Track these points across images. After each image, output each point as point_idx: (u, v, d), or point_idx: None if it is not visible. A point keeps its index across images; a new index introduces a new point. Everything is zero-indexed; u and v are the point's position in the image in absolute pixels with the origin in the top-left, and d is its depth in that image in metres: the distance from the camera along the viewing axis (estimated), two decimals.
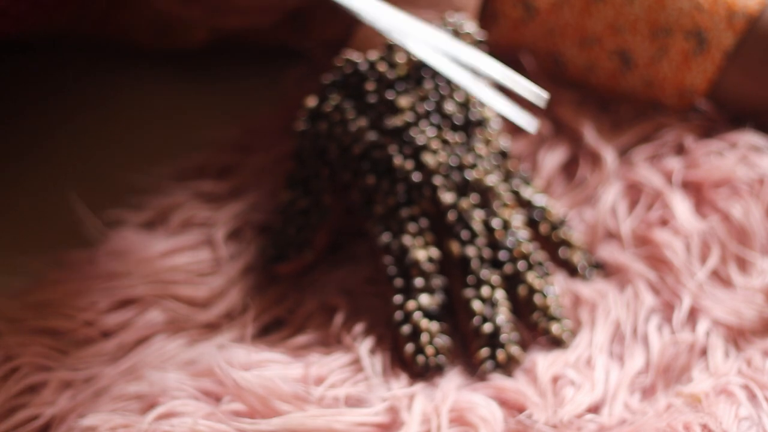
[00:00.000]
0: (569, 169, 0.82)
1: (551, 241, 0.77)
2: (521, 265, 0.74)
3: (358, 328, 0.73)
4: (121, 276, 0.76)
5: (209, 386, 0.69)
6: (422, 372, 0.71)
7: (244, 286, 0.76)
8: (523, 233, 0.75)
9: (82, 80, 0.91)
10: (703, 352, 0.72)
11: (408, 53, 0.75)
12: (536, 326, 0.73)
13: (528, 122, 0.74)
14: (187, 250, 0.78)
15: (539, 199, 0.77)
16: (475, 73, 0.73)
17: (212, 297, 0.76)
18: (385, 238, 0.74)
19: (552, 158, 0.82)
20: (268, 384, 0.68)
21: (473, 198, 0.74)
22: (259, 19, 0.75)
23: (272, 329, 0.75)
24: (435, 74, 0.76)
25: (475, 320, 0.72)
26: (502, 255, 0.74)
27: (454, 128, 0.75)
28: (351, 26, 0.80)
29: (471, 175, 0.75)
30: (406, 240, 0.73)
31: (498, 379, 0.70)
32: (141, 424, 0.66)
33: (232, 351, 0.71)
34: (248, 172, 0.83)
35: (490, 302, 0.72)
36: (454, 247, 0.73)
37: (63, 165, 0.85)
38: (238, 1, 0.72)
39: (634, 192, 0.80)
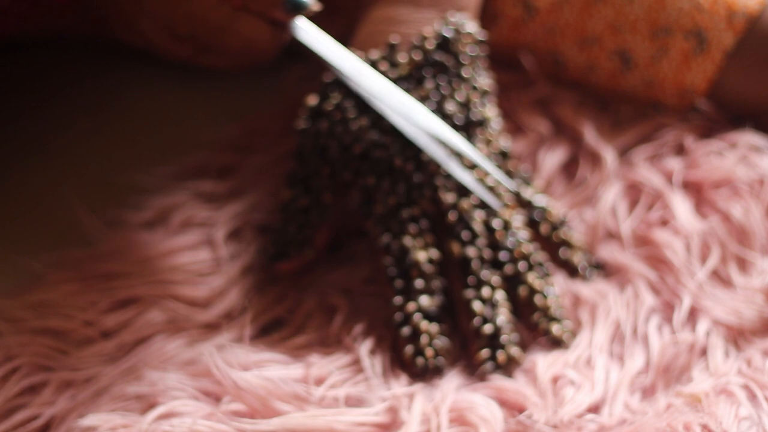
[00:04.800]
0: (569, 169, 0.82)
1: (551, 242, 0.77)
2: (522, 265, 0.74)
3: (358, 328, 0.73)
4: (121, 276, 0.76)
5: (209, 386, 0.69)
6: (421, 373, 0.71)
7: (244, 286, 0.76)
8: (524, 234, 0.75)
9: (83, 80, 0.91)
10: (703, 352, 0.72)
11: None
12: (536, 327, 0.73)
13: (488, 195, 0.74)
14: (187, 250, 0.78)
15: (540, 200, 0.77)
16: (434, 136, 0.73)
17: (212, 297, 0.76)
18: (386, 238, 0.74)
19: (552, 158, 0.82)
20: (268, 384, 0.68)
21: (474, 198, 0.74)
22: (247, 62, 0.75)
23: (272, 329, 0.75)
24: (436, 74, 0.76)
25: (476, 321, 0.72)
26: (503, 255, 0.74)
27: (455, 128, 0.75)
28: (352, 26, 0.80)
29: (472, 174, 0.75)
30: (407, 241, 0.73)
31: (498, 380, 0.70)
32: (141, 424, 0.66)
33: (231, 351, 0.71)
34: (248, 172, 0.83)
35: (491, 303, 0.72)
36: (455, 247, 0.73)
37: (63, 165, 0.85)
38: (228, 45, 0.72)
39: (634, 192, 0.80)
